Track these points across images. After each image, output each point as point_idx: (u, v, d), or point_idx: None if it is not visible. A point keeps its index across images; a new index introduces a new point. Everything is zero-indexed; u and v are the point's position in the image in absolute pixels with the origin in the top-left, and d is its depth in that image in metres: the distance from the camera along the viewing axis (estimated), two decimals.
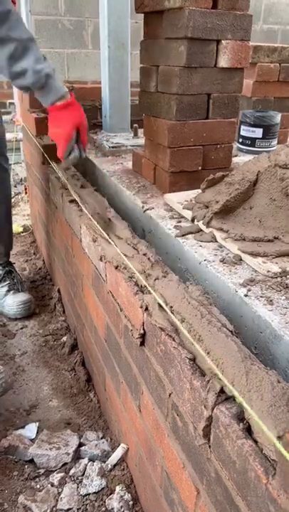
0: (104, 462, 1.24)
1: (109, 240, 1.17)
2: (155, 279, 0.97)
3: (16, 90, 3.27)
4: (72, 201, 1.50)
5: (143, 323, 0.93)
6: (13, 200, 2.95)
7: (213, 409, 0.68)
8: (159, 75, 1.50)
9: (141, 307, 0.93)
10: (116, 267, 1.07)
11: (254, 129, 2.10)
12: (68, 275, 1.73)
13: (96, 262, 1.25)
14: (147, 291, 0.95)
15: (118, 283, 1.07)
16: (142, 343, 0.95)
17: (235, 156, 2.03)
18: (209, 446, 0.71)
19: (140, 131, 2.11)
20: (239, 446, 0.61)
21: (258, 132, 2.10)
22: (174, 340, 0.81)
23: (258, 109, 2.29)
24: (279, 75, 2.26)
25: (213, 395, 0.68)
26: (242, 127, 2.14)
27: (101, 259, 1.18)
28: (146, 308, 0.91)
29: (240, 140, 2.16)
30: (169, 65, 1.44)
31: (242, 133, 2.14)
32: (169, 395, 0.84)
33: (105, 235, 1.20)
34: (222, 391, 0.69)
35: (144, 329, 0.93)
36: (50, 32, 4.19)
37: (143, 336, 0.94)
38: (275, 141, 2.13)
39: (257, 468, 0.58)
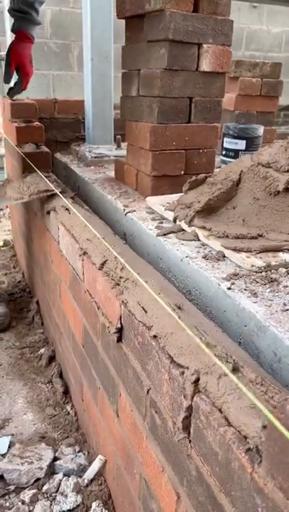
0: (81, 477, 1.15)
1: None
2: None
3: None
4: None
5: (120, 316, 0.87)
6: None
7: (192, 397, 0.62)
8: (141, 79, 1.49)
9: (117, 299, 0.87)
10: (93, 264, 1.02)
11: (237, 140, 2.09)
12: (47, 283, 1.66)
13: (73, 261, 1.20)
14: (124, 286, 0.89)
15: (95, 279, 1.01)
16: (119, 339, 0.89)
17: (219, 167, 2.01)
18: (190, 441, 0.64)
19: (124, 144, 2.09)
20: (221, 434, 0.55)
21: (241, 144, 2.09)
22: (150, 330, 0.76)
23: (241, 122, 2.30)
24: (261, 90, 2.28)
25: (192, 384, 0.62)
26: (225, 139, 2.13)
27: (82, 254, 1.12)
28: (123, 301, 0.85)
29: (224, 152, 2.15)
30: (151, 68, 1.43)
31: (225, 145, 2.14)
32: (148, 392, 0.78)
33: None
34: None
35: (121, 323, 0.87)
36: (37, 54, 4.19)
37: (120, 330, 0.88)
38: None
39: (241, 457, 0.52)
